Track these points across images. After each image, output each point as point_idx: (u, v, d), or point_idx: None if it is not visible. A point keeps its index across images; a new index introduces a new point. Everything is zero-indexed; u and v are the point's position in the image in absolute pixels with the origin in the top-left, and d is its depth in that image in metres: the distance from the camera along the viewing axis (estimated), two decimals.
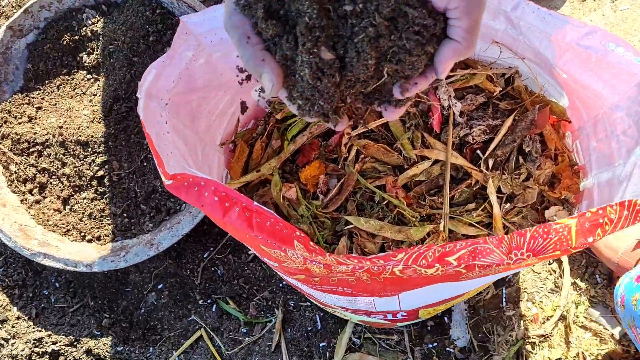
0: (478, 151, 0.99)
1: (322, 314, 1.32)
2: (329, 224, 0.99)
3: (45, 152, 1.32)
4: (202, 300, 1.35)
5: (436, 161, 1.00)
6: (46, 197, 1.33)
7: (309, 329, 1.31)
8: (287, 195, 1.00)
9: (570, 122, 0.97)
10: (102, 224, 1.32)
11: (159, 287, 1.37)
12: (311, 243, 0.76)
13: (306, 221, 0.99)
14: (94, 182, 1.31)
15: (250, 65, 0.55)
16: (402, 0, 0.51)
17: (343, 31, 0.52)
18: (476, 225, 0.96)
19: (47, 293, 1.40)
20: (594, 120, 0.87)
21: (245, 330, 1.33)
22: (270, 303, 1.33)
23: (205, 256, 1.37)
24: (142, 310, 1.37)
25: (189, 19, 0.78)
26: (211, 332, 1.33)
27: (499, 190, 0.96)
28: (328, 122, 0.59)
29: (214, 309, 1.34)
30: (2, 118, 1.37)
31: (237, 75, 0.90)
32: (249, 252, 1.38)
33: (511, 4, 0.81)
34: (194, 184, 0.75)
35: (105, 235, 1.32)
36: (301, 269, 0.81)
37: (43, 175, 1.33)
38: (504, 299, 1.29)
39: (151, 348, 1.33)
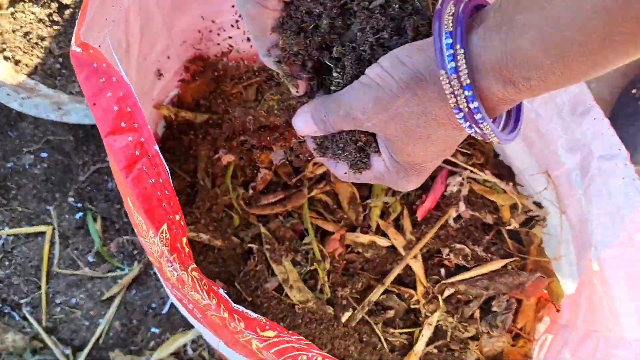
0: (442, 270, 0.79)
1: (178, 302, 1.10)
2: (237, 221, 0.77)
3: None
4: (72, 199, 1.12)
5: (392, 247, 0.79)
6: None
7: (154, 306, 1.09)
8: (222, 157, 0.78)
9: (558, 311, 0.77)
10: (32, 51, 1.08)
11: (42, 154, 1.14)
12: (184, 242, 0.55)
13: (213, 200, 0.77)
14: (54, 5, 1.07)
15: None
16: None
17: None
18: (382, 340, 0.74)
19: None
20: (588, 336, 0.67)
21: (91, 260, 1.10)
22: (135, 252, 1.11)
23: (107, 159, 1.14)
24: (9, 165, 1.13)
25: None
26: (57, 238, 1.10)
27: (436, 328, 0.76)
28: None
29: (77, 217, 1.11)
30: None
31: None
32: None
33: (606, 150, 0.59)
34: (103, 72, 0.53)
35: (26, 65, 1.08)
36: (152, 256, 0.58)
37: None
38: None
39: None
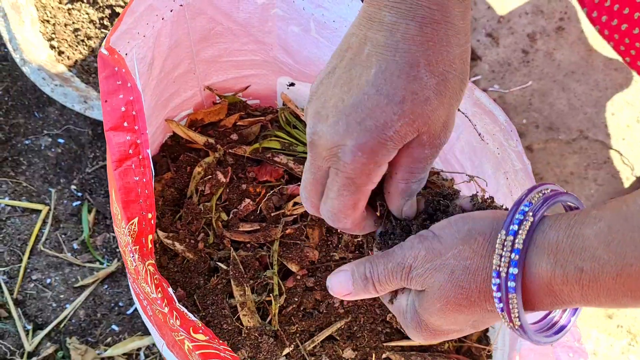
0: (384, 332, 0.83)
1: (136, 299, 1.14)
2: (211, 239, 0.83)
3: None
4: (74, 187, 1.19)
5: None
6: None
7: (121, 304, 1.14)
8: (218, 177, 0.84)
9: None
10: (76, 46, 1.18)
11: (59, 140, 1.22)
12: (150, 239, 0.60)
13: (196, 215, 0.82)
14: (107, 11, 1.17)
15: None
16: None
17: None
18: None
19: None
20: None
21: (75, 247, 1.16)
22: (118, 250, 1.16)
23: None
24: (26, 142, 1.21)
25: None
26: (50, 219, 1.16)
27: None
28: None
29: (74, 204, 1.18)
30: None
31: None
32: None
33: None
34: (121, 76, 0.60)
35: (68, 58, 1.17)
36: (120, 246, 0.64)
37: None
38: None
39: None
